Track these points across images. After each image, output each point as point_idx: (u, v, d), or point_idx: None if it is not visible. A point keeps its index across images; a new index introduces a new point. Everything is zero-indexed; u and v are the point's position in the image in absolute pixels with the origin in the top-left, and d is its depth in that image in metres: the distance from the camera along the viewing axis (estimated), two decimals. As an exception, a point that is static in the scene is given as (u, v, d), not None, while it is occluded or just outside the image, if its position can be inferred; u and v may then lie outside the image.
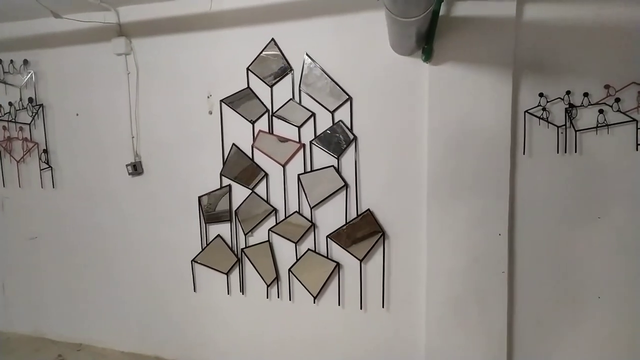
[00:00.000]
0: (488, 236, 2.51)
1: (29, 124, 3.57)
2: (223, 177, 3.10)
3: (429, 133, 2.55)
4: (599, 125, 2.34)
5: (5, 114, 3.62)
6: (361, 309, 2.89)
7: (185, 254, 3.26)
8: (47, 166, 3.57)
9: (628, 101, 2.29)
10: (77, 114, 3.45)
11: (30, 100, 3.52)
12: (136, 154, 3.30)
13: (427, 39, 2.39)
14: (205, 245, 3.19)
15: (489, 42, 2.40)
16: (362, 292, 2.88)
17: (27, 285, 3.81)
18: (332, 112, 2.80)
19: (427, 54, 2.42)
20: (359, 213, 2.82)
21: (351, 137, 2.77)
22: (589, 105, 2.35)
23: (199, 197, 3.16)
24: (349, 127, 2.77)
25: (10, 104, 3.58)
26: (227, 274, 3.18)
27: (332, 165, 2.83)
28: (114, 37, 3.20)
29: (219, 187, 3.12)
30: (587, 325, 2.49)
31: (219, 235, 3.16)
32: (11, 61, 3.54)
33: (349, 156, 2.80)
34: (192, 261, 3.24)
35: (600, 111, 2.33)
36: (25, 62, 3.50)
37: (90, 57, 3.35)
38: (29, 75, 3.51)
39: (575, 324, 2.51)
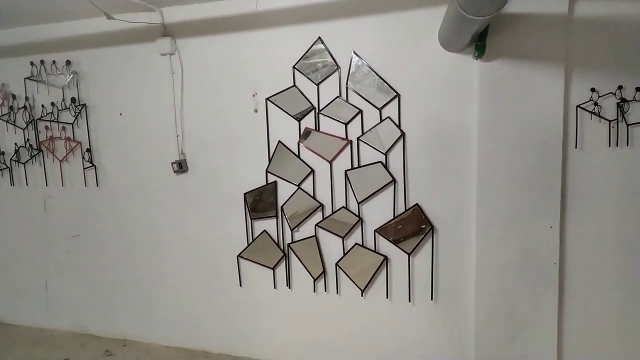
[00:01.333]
0: (539, 229, 2.56)
1: (72, 124, 3.63)
2: (269, 174, 3.16)
3: (480, 128, 2.60)
4: (651, 119, 2.39)
5: (47, 114, 3.68)
6: (409, 301, 2.95)
7: (230, 249, 3.33)
8: (91, 165, 3.63)
9: (681, 95, 2.34)
10: (121, 114, 3.52)
11: (73, 100, 3.59)
12: (181, 152, 3.36)
13: (480, 36, 2.44)
14: (251, 240, 3.26)
15: (541, 38, 2.45)
16: (410, 285, 2.93)
17: (70, 283, 3.89)
18: (380, 109, 2.85)
19: (480, 51, 2.47)
20: (407, 207, 2.87)
21: (399, 133, 2.82)
22: (640, 99, 2.40)
23: (245, 194, 3.22)
24: (397, 123, 2.82)
25: (52, 104, 3.64)
26: (273, 268, 3.24)
27: (380, 161, 2.89)
28: (158, 37, 3.25)
29: (265, 183, 3.17)
30: (636, 314, 2.54)
31: (264, 231, 3.22)
32: (53, 62, 3.61)
33: (396, 152, 2.85)
34: (237, 256, 3.31)
35: (653, 105, 2.38)
36: (68, 62, 3.56)
37: (133, 58, 3.42)
38: (72, 75, 3.57)
39: (627, 317, 2.56)
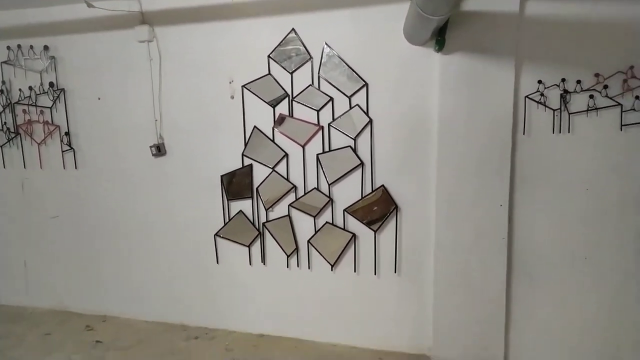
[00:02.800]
0: (491, 207, 2.83)
1: (50, 108, 3.72)
2: (245, 157, 3.34)
3: (440, 116, 2.85)
4: (589, 108, 2.67)
5: (25, 97, 3.75)
6: (375, 275, 3.21)
7: (208, 229, 3.51)
8: (69, 148, 3.73)
9: (614, 87, 2.62)
10: (99, 98, 3.62)
11: (51, 84, 3.67)
12: (159, 136, 3.50)
13: (440, 31, 2.66)
14: (228, 220, 3.44)
15: (494, 34, 2.69)
16: (376, 259, 3.19)
17: (49, 262, 4.00)
18: (350, 97, 3.06)
19: (440, 45, 2.70)
20: (373, 189, 3.11)
21: (367, 119, 3.05)
22: (581, 91, 2.68)
23: (222, 176, 3.40)
24: (365, 110, 3.04)
25: (30, 88, 3.71)
26: (248, 246, 3.44)
27: (349, 146, 3.11)
28: (137, 24, 3.36)
29: (241, 166, 3.36)
30: (574, 282, 2.85)
31: (240, 211, 3.41)
32: (31, 47, 3.67)
33: (364, 137, 3.08)
34: (215, 235, 3.49)
35: (591, 96, 2.66)
36: (46, 47, 3.63)
37: (111, 44, 3.52)
38: (50, 60, 3.64)
39: (568, 285, 2.86)
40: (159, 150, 3.49)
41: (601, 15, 2.61)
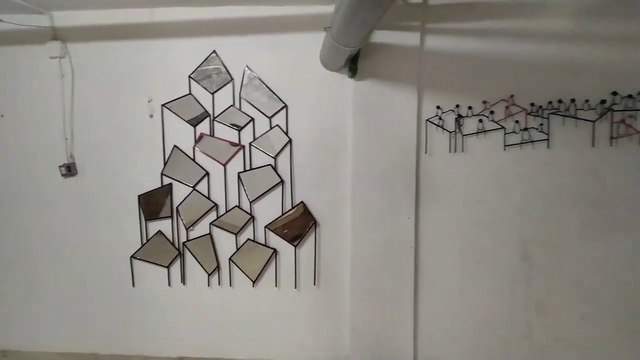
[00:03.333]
0: (399, 220, 3.12)
1: (-58, 125, 3.42)
2: (164, 177, 3.33)
3: (353, 136, 3.10)
4: (479, 131, 3.09)
5: None
6: (296, 288, 3.34)
7: (123, 251, 3.42)
8: (-35, 168, 3.45)
9: (499, 113, 3.06)
10: (2, 116, 3.41)
11: (-55, 99, 3.39)
12: (70, 155, 3.37)
13: (352, 59, 2.94)
14: (145, 241, 3.38)
15: (399, 64, 3.03)
16: (296, 273, 3.32)
17: None
18: (270, 118, 3.22)
19: (353, 72, 2.98)
20: (293, 205, 3.27)
21: (287, 139, 3.22)
22: (472, 115, 3.09)
23: (139, 196, 3.35)
24: (285, 130, 3.21)
25: None
26: (167, 267, 3.40)
27: (270, 164, 3.25)
28: (48, 40, 3.26)
29: (160, 185, 3.34)
30: (470, 284, 3.21)
31: (159, 231, 3.37)
32: None
33: (284, 156, 3.24)
34: (131, 257, 3.41)
35: (480, 120, 3.08)
36: (-62, 60, 3.37)
37: (19, 59, 3.36)
38: (-57, 73, 3.38)
39: (466, 286, 3.21)
40: (70, 170, 3.36)
41: (488, 50, 3.05)
